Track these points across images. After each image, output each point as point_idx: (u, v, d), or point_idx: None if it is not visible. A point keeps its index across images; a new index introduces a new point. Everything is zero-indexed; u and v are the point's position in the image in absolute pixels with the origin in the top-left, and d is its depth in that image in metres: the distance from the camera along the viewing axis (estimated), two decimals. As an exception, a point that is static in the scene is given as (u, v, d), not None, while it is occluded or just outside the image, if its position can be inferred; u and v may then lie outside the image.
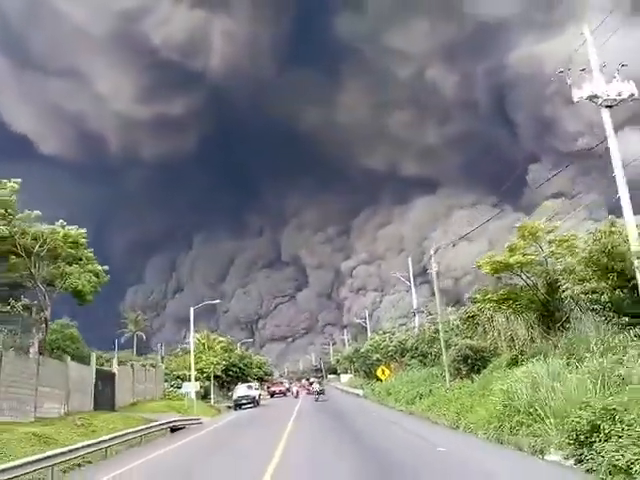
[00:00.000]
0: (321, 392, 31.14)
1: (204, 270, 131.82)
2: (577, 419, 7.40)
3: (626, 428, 6.65)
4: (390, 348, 30.69)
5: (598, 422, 7.07)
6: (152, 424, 16.90)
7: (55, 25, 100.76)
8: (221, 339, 40.87)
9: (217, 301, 47.00)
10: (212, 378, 32.64)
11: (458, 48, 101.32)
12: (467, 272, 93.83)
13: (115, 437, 13.74)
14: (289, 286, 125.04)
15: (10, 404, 14.52)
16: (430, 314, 26.54)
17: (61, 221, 20.61)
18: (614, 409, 7.06)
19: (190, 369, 28.98)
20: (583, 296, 12.44)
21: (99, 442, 12.68)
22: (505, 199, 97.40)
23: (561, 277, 13.59)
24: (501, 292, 16.76)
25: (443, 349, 18.96)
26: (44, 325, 18.26)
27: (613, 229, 12.37)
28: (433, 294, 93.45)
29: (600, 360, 9.42)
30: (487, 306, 16.73)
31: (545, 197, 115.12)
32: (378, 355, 31.71)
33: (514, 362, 15.43)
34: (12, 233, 17.26)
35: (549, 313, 15.90)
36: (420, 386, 20.15)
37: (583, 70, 13.90)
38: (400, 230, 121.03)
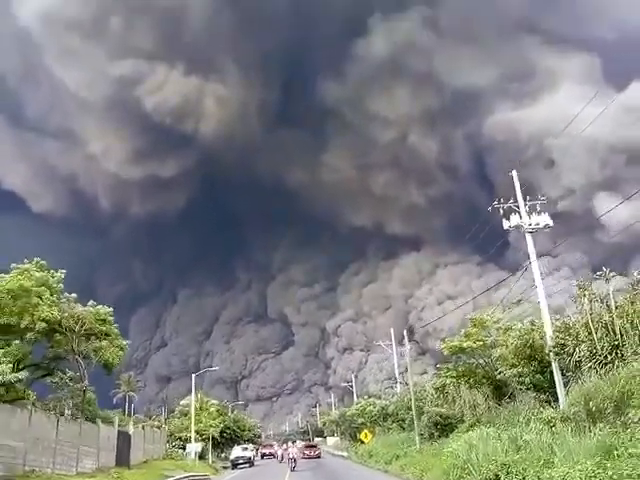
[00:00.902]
0: (317, 456, 33.90)
1: (189, 326, 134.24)
2: (486, 471, 11.87)
3: (516, 477, 11.12)
4: (374, 413, 34.62)
5: (498, 473, 11.54)
6: (177, 477, 20.62)
7: (50, 88, 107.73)
8: (213, 401, 44.19)
9: (215, 368, 50.49)
10: (210, 440, 35.96)
11: (437, 114, 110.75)
12: (454, 333, 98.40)
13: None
14: (274, 344, 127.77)
15: (62, 459, 18.26)
16: (406, 384, 30.56)
17: (92, 302, 24.94)
18: (509, 464, 11.56)
19: (189, 430, 32.41)
20: (513, 378, 17.05)
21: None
22: (488, 258, 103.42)
23: (497, 362, 18.26)
24: (460, 369, 21.35)
25: (415, 417, 23.19)
26: (82, 392, 22.16)
27: (533, 327, 17.19)
28: (420, 353, 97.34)
29: (515, 429, 13.93)
30: (448, 380, 21.24)
31: (526, 255, 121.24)
32: (362, 419, 35.57)
33: (471, 427, 19.77)
34: (60, 317, 21.49)
35: (499, 388, 20.44)
36: (397, 448, 24.18)
37: (515, 202, 19.20)
38: (386, 287, 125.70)
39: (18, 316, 21.13)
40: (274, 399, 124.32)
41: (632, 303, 13.36)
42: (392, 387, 45.32)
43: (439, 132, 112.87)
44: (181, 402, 42.91)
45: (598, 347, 13.92)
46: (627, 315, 13.47)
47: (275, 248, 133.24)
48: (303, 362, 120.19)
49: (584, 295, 14.75)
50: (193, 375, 33.66)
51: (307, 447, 40.01)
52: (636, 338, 12.86)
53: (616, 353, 13.26)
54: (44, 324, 20.73)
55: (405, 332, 29.66)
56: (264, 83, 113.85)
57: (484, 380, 20.65)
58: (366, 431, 31.75)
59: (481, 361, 20.44)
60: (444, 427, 23.40)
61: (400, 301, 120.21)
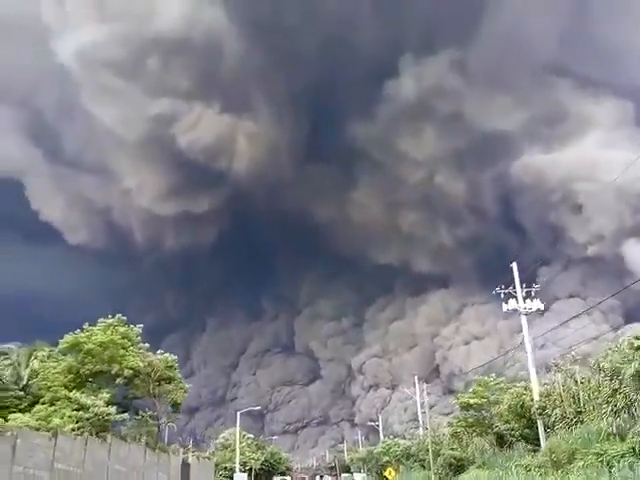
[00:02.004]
0: None
1: (216, 356, 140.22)
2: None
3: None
4: (398, 452, 39.42)
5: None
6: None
7: (86, 124, 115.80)
8: (249, 435, 49.52)
9: (257, 407, 55.85)
10: (253, 470, 41.24)
11: (465, 156, 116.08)
12: (480, 375, 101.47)
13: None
14: (302, 377, 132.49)
15: (146, 484, 24.01)
16: (426, 428, 35.26)
17: (160, 351, 31.04)
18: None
19: (232, 461, 37.78)
20: (506, 431, 22.16)
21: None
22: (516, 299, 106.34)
23: (495, 417, 23.40)
24: (470, 420, 26.44)
25: (431, 459, 28.25)
26: (157, 428, 27.99)
27: (525, 392, 22.32)
28: (444, 393, 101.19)
29: (502, 472, 19.10)
30: (458, 429, 26.38)
31: (556, 298, 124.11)
32: (387, 457, 40.35)
33: (478, 469, 24.82)
34: (141, 365, 27.54)
35: (501, 437, 25.40)
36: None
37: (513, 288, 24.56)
38: (413, 324, 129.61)
39: (107, 364, 27.27)
40: (299, 432, 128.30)
41: (588, 381, 18.42)
42: (416, 428, 49.80)
43: (467, 173, 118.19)
44: (221, 435, 48.34)
45: (567, 412, 18.99)
46: (589, 389, 18.41)
47: (302, 282, 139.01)
48: (330, 397, 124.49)
49: (560, 371, 19.81)
50: (238, 413, 39.23)
51: None
52: (591, 407, 17.77)
53: (578, 417, 18.23)
54: (130, 371, 26.77)
55: (424, 386, 34.43)
56: (294, 121, 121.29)
57: (489, 430, 25.64)
58: (390, 469, 36.56)
59: (487, 414, 25.51)
60: (457, 467, 28.40)
61: (426, 339, 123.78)
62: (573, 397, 18.77)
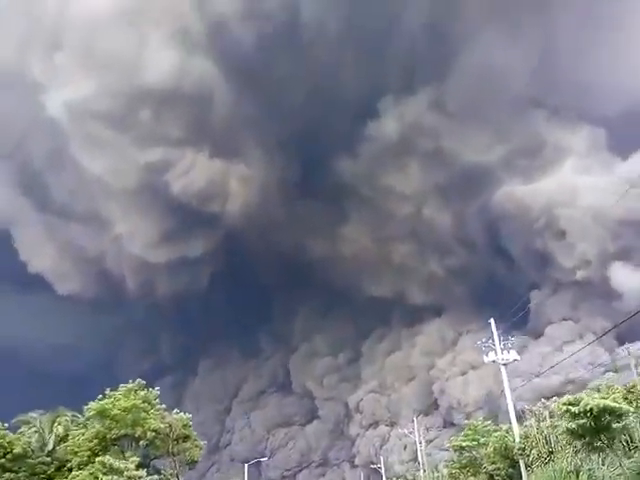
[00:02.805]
0: None
1: (210, 402, 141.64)
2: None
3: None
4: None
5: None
6: None
7: (76, 174, 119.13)
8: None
9: (264, 459, 58.65)
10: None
11: (449, 189, 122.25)
12: (479, 406, 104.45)
13: None
14: (299, 418, 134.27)
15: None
16: (424, 470, 38.58)
17: (176, 410, 34.48)
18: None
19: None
20: (493, 471, 25.94)
21: None
22: (511, 325, 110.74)
23: (484, 459, 27.20)
24: (463, 461, 30.14)
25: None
26: (177, 485, 31.29)
27: (507, 435, 26.17)
28: (444, 426, 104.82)
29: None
30: (453, 471, 30.09)
31: (549, 321, 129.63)
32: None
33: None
34: (163, 427, 31.00)
35: (491, 477, 29.06)
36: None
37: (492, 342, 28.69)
38: (409, 356, 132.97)
39: (131, 427, 30.70)
40: (297, 476, 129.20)
41: (555, 427, 22.37)
42: (417, 470, 53.04)
43: (453, 205, 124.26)
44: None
45: (542, 452, 22.86)
46: (557, 432, 22.23)
47: (297, 319, 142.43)
48: (329, 438, 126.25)
49: (534, 415, 23.71)
50: (246, 465, 42.40)
51: None
52: (559, 447, 21.58)
53: (550, 457, 22.04)
54: (153, 433, 30.22)
55: (422, 422, 38.12)
56: (284, 163, 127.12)
57: (481, 469, 29.37)
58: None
59: (477, 455, 29.28)
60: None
61: (423, 371, 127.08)
62: (545, 439, 22.57)
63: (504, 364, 27.79)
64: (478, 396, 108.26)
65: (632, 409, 17.90)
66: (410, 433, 48.20)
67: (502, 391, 35.24)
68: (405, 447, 78.77)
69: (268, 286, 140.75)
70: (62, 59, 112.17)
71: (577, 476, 17.22)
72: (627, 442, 17.94)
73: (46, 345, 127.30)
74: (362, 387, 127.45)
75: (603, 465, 16.89)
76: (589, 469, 16.99)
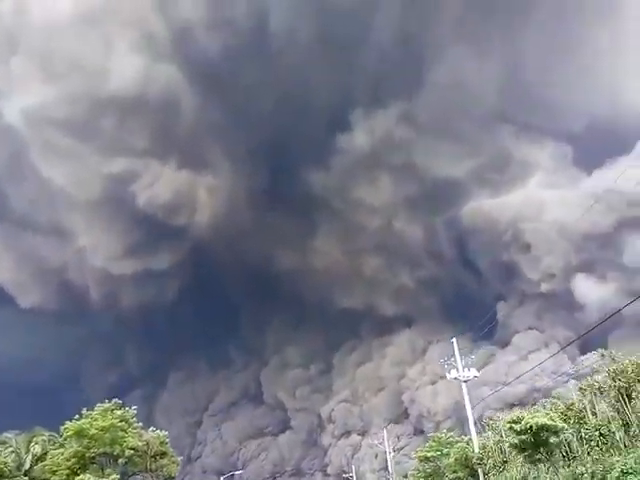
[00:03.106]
0: None
1: (181, 412, 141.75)
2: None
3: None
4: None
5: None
6: None
7: (37, 184, 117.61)
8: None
9: (239, 471, 60.02)
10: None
11: (419, 202, 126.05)
12: (447, 415, 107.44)
13: None
14: (271, 428, 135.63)
15: None
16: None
17: (152, 427, 35.94)
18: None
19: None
20: (454, 480, 28.28)
21: None
22: (480, 335, 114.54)
23: (446, 468, 29.55)
24: (428, 470, 32.42)
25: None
26: (155, 501, 32.71)
27: (467, 446, 28.56)
28: (414, 433, 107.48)
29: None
30: (418, 480, 32.39)
31: (516, 331, 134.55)
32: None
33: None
34: (141, 445, 32.43)
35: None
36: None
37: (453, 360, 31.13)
38: (380, 367, 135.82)
39: (110, 446, 32.08)
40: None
41: (499, 442, 24.86)
42: (387, 478, 55.29)
43: (422, 219, 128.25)
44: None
45: (497, 461, 25.27)
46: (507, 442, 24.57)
47: (268, 331, 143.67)
48: (301, 448, 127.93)
49: (489, 427, 26.08)
50: (222, 478, 43.90)
51: None
52: (512, 457, 23.96)
53: (504, 466, 24.43)
54: (131, 451, 31.63)
55: (393, 431, 40.42)
56: (252, 173, 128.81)
57: (443, 478, 31.69)
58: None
59: (440, 465, 31.61)
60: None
61: (394, 381, 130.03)
62: (500, 449, 24.94)
63: (465, 381, 30.22)
64: (447, 405, 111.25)
65: (567, 426, 20.46)
66: (380, 443, 50.38)
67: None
68: (376, 456, 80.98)
69: (237, 298, 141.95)
70: (19, 64, 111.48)
71: (525, 484, 19.60)
72: (566, 453, 20.40)
73: (9, 358, 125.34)
74: (334, 398, 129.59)
75: (547, 474, 19.20)
76: (534, 477, 19.31)
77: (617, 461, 17.63)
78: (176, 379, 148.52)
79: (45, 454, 33.12)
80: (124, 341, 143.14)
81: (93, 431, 30.98)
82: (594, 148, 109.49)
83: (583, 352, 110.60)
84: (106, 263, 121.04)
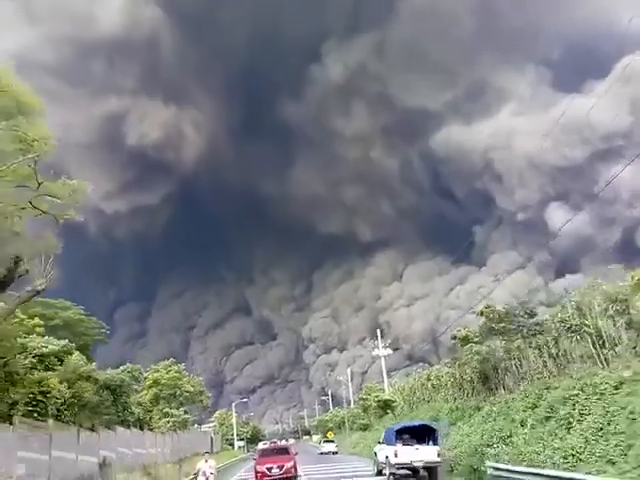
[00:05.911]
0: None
1: (171, 330, 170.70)
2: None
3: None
4: (338, 419, 72.11)
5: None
6: (242, 455, 57.51)
7: None
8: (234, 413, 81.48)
9: (245, 399, 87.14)
10: (246, 439, 73.28)
11: (394, 132, 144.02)
12: (424, 339, 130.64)
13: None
14: (259, 338, 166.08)
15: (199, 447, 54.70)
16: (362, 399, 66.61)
17: (194, 375, 61.18)
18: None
19: (229, 434, 69.42)
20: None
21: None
22: (457, 256, 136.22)
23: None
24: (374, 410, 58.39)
25: (347, 430, 60.52)
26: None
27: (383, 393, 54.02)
28: (393, 349, 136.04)
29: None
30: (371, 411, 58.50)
31: (491, 252, 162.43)
32: (331, 424, 73.17)
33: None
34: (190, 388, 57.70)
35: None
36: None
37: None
38: (359, 287, 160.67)
39: (172, 389, 57.02)
40: (256, 394, 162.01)
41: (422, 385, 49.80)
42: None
43: (398, 149, 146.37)
44: (214, 416, 79.93)
45: (405, 403, 50.47)
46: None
47: (255, 253, 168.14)
48: (287, 362, 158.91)
49: (407, 375, 51.02)
50: (234, 404, 70.24)
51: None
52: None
53: (411, 408, 49.49)
54: (187, 393, 56.74)
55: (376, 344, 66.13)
56: (231, 106, 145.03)
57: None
58: (330, 432, 68.73)
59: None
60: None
61: (372, 301, 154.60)
62: (411, 390, 49.69)
63: (384, 356, 54.79)
64: (421, 327, 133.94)
65: (400, 400, 46.33)
66: (361, 356, 76.87)
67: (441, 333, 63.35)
68: (352, 376, 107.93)
69: (225, 225, 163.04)
70: (1, 8, 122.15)
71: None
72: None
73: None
74: (315, 316, 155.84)
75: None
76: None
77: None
78: (168, 294, 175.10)
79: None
80: (120, 267, 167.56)
81: (163, 381, 55.50)
82: (573, 71, 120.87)
83: (558, 276, 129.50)
84: (100, 202, 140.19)
